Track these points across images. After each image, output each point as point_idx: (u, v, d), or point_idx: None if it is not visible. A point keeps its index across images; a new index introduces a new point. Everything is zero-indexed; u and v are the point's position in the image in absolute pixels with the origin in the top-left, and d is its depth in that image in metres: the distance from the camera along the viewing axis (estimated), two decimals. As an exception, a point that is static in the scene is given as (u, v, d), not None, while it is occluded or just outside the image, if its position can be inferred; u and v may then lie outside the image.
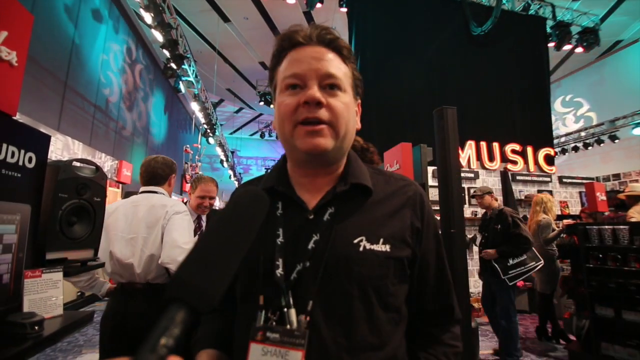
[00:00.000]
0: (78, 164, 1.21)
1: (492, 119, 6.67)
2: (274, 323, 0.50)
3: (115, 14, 7.46)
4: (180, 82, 7.08)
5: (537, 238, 3.46)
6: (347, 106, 0.57)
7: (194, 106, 8.51)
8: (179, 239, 1.54)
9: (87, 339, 3.65)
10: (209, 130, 9.90)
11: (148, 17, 5.09)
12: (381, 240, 0.55)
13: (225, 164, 14.31)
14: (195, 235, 1.91)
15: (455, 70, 6.70)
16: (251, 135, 19.28)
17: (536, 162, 6.31)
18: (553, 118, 8.38)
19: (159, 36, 5.41)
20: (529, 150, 6.29)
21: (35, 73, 4.91)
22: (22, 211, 0.97)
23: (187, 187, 2.38)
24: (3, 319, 0.82)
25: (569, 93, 11.26)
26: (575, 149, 10.14)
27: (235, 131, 18.95)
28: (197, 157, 10.07)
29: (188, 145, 9.68)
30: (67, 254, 1.16)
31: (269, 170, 0.68)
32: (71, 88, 5.89)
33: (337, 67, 0.57)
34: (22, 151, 0.97)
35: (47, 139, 1.09)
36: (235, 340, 0.56)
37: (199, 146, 10.59)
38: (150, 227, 1.60)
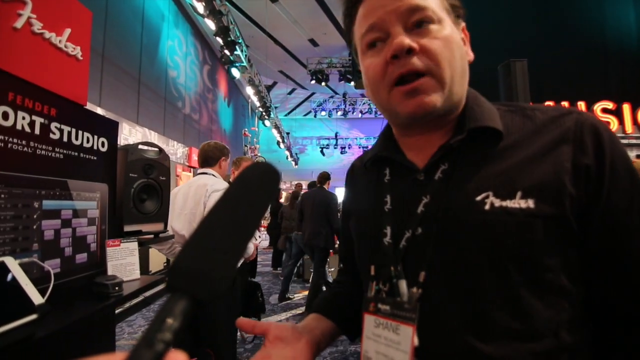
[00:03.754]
0: (144, 147, 1.34)
1: (576, 72, 5.69)
2: (384, 294, 0.46)
3: (174, 10, 7.96)
4: (235, 68, 7.37)
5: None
6: (447, 40, 0.44)
7: (249, 90, 8.85)
8: None
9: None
10: (264, 113, 10.27)
11: (200, 7, 5.33)
12: (519, 193, 0.41)
13: (281, 145, 14.81)
14: None
15: (526, 13, 5.69)
16: (305, 115, 19.50)
17: (635, 122, 5.30)
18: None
19: (211, 24, 5.65)
20: (626, 108, 5.30)
21: (114, 73, 5.54)
22: (101, 189, 1.12)
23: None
24: (92, 280, 0.97)
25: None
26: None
27: (289, 112, 19.35)
28: (255, 139, 10.58)
29: (246, 129, 10.21)
30: (141, 226, 1.32)
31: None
32: (144, 84, 6.55)
33: None
34: (96, 137, 1.10)
35: (115, 125, 1.22)
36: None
37: (256, 129, 11.08)
38: (196, 204, 1.87)
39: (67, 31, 0.99)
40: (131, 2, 6.15)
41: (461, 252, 0.42)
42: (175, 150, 7.48)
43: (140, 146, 1.31)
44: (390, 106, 0.47)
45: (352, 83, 10.20)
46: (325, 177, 4.17)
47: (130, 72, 6.08)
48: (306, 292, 5.04)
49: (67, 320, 0.78)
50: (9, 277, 0.69)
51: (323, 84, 10.97)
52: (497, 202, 0.41)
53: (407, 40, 0.42)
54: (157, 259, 4.98)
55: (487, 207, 0.42)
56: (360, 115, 16.81)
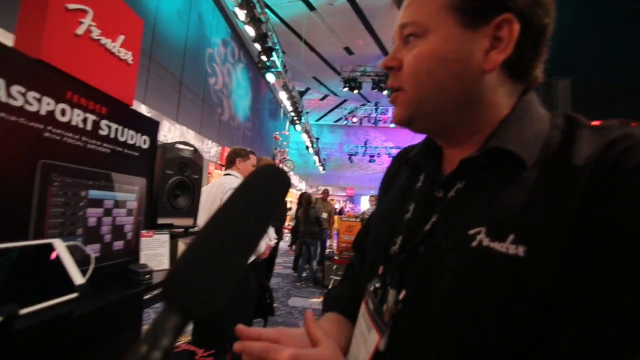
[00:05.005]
0: (181, 146, 1.43)
1: (624, 92, 5.28)
2: (379, 294, 0.47)
3: (217, 15, 8.36)
4: (270, 73, 7.59)
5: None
6: (419, 56, 0.42)
7: (282, 95, 9.06)
8: None
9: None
10: (295, 118, 10.45)
11: (241, 14, 5.56)
12: (511, 236, 0.35)
13: (310, 150, 14.98)
14: None
15: (571, 28, 5.40)
16: (335, 121, 19.61)
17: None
18: None
19: (251, 31, 5.87)
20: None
21: (159, 73, 5.91)
22: (140, 183, 1.21)
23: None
24: (126, 267, 1.04)
25: None
26: None
27: (320, 118, 19.54)
28: (285, 143, 10.78)
29: (277, 132, 10.43)
30: (173, 220, 1.40)
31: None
32: (185, 85, 6.91)
33: (415, 5, 0.43)
34: (139, 134, 1.20)
35: (156, 124, 1.31)
36: None
37: (287, 133, 11.28)
38: (214, 200, 2.07)
39: (121, 38, 1.09)
40: (178, 7, 6.55)
41: (440, 282, 0.40)
42: (209, 149, 7.81)
43: (177, 145, 1.40)
44: None
45: (386, 92, 10.14)
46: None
47: (173, 72, 6.46)
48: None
49: (103, 301, 0.85)
50: (56, 256, 0.76)
51: (356, 91, 11.00)
52: (486, 241, 0.37)
53: (385, 61, 0.45)
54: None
55: (474, 243, 0.37)
56: (391, 125, 16.64)
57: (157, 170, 1.31)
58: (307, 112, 13.15)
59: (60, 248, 0.78)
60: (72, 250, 0.88)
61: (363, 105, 16.55)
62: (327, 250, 6.69)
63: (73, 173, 0.93)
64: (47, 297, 0.69)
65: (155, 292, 1.09)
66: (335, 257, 5.45)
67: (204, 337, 1.97)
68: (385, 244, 0.51)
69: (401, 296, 0.43)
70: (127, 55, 1.11)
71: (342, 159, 19.60)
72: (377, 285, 0.48)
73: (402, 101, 0.45)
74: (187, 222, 1.49)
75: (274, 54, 6.79)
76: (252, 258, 2.09)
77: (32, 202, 0.82)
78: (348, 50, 11.51)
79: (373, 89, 10.93)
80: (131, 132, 1.16)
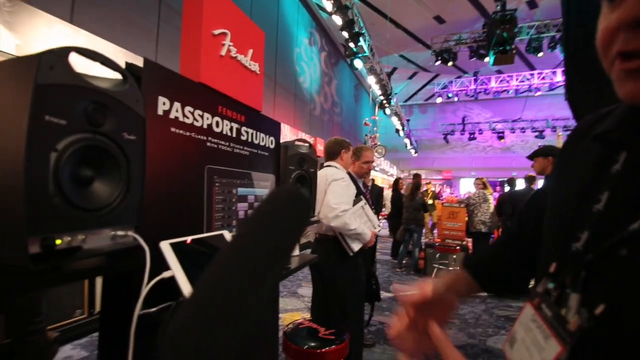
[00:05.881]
0: (298, 143, 1.55)
1: None
2: (553, 298, 0.41)
3: (301, 10, 8.66)
4: (358, 59, 7.52)
5: None
6: None
7: (370, 80, 8.89)
8: (331, 200, 2.03)
9: (304, 276, 4.82)
10: (384, 101, 10.16)
11: (328, 5, 5.61)
12: None
13: (401, 133, 14.41)
14: (358, 197, 2.29)
15: None
16: (426, 100, 18.31)
17: None
18: None
19: (338, 20, 5.88)
20: None
21: (257, 76, 6.50)
22: (270, 179, 1.36)
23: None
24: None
25: None
26: None
27: (409, 98, 18.52)
28: (375, 128, 10.62)
29: (367, 119, 10.34)
30: (296, 211, 1.54)
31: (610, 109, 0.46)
32: (279, 83, 7.43)
33: None
34: (267, 136, 1.34)
35: (278, 125, 1.45)
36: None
37: (377, 118, 11.08)
38: (320, 192, 2.08)
39: (250, 51, 1.22)
40: (268, 9, 7.02)
41: None
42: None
43: (296, 142, 1.52)
44: (614, 83, 0.37)
45: (487, 59, 8.95)
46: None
47: (268, 73, 7.02)
48: (429, 286, 4.86)
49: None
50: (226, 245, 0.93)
51: (450, 63, 10.02)
52: None
53: (636, 9, 0.32)
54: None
55: None
56: (494, 96, 14.65)
57: (281, 167, 1.45)
58: (395, 94, 12.63)
59: (228, 237, 0.94)
60: (233, 239, 1.05)
61: (459, 77, 14.99)
62: (423, 239, 6.40)
63: (227, 174, 1.10)
64: (226, 278, 0.85)
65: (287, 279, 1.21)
66: (438, 245, 5.19)
67: (323, 318, 2.13)
68: (564, 237, 0.43)
69: (598, 311, 0.35)
70: (255, 67, 1.25)
71: (436, 140, 18.29)
72: (551, 286, 0.43)
73: None
74: (307, 212, 1.63)
75: (360, 39, 6.69)
76: (359, 246, 2.14)
77: (203, 201, 1.00)
78: (439, 19, 10.53)
79: (471, 57, 9.78)
80: (262, 134, 1.31)
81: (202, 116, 1.00)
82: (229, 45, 1.13)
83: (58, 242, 0.57)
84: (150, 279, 0.68)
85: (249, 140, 1.23)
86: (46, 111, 0.55)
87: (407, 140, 16.15)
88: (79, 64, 0.63)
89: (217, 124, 1.07)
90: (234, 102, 1.16)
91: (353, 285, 2.17)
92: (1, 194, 0.53)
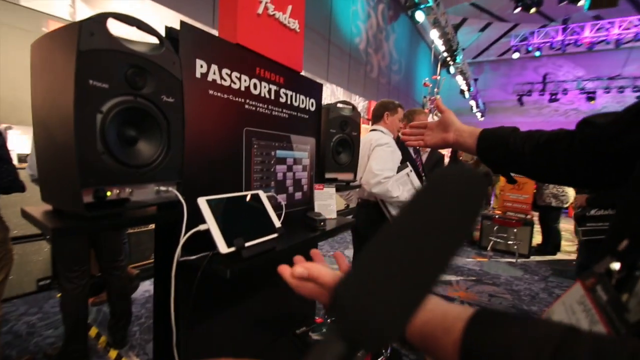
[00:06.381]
0: (341, 105, 1.50)
1: None
2: (614, 281, 0.37)
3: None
4: (420, 11, 6.81)
5: None
6: None
7: (433, 34, 8.06)
8: (374, 166, 1.95)
9: (342, 238, 4.94)
10: (448, 58, 9.22)
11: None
12: None
13: (466, 95, 13.11)
14: (404, 163, 2.17)
15: None
16: (500, 55, 16.14)
17: None
18: None
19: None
20: None
21: (311, 37, 6.30)
22: (310, 143, 1.36)
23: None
24: (305, 214, 1.24)
25: None
26: None
27: (479, 54, 16.50)
28: (435, 89, 9.81)
29: (427, 79, 9.55)
30: (337, 175, 1.53)
31: None
32: (333, 43, 7.13)
33: None
34: (308, 98, 1.32)
35: (320, 87, 1.41)
36: None
37: (438, 78, 10.17)
38: (363, 157, 2.02)
39: (289, 8, 1.17)
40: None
41: None
42: (357, 104, 8.04)
43: (338, 105, 1.48)
44: None
45: (582, 1, 7.44)
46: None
47: (322, 34, 6.75)
48: (481, 259, 4.64)
49: (293, 241, 1.05)
50: (261, 205, 0.97)
51: (533, 10, 8.55)
52: None
53: None
54: (339, 200, 5.79)
55: None
56: (587, 48, 12.31)
57: (322, 130, 1.44)
58: (462, 49, 11.31)
59: (263, 197, 0.99)
60: (269, 199, 1.09)
61: (543, 27, 12.81)
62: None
63: (265, 137, 1.13)
64: (259, 235, 0.90)
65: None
66: (497, 217, 4.83)
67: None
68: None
69: None
70: (295, 25, 1.20)
71: (508, 102, 16.30)
72: (615, 266, 0.37)
73: None
74: (348, 176, 1.61)
75: (424, -13, 5.99)
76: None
77: (242, 162, 1.05)
78: (524, -45, 8.86)
79: (561, 1, 8.22)
80: (302, 96, 1.29)
81: (239, 78, 1.02)
82: (266, 3, 1.09)
83: (108, 193, 0.65)
84: (188, 231, 0.75)
85: (288, 102, 1.22)
86: (90, 76, 0.60)
87: (472, 103, 14.69)
88: (120, 30, 0.67)
89: (255, 86, 1.08)
90: (272, 63, 1.14)
91: None
92: (59, 152, 0.61)
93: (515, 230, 4.67)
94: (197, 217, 0.80)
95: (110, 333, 2.20)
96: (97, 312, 2.60)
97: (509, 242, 4.70)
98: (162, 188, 0.76)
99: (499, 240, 4.80)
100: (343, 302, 0.21)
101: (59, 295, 2.48)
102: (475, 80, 14.59)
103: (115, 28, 0.66)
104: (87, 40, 0.59)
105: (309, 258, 0.57)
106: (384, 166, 1.96)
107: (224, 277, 0.75)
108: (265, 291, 1.21)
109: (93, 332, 2.34)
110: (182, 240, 0.75)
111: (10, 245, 1.88)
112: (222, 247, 0.77)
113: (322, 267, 0.46)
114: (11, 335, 2.23)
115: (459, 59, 9.92)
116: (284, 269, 0.49)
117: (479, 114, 15.96)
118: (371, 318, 0.20)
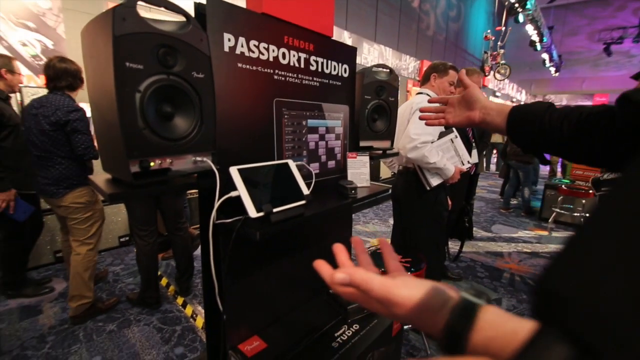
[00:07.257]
0: (377, 69, 1.44)
1: None
2: None
3: None
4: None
5: None
6: None
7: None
8: (412, 130, 1.88)
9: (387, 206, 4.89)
10: (517, 5, 8.04)
11: None
12: None
13: (538, 46, 11.45)
14: (449, 128, 2.04)
15: None
16: (585, -5, 13.58)
17: None
18: None
19: None
20: None
21: (356, -6, 5.92)
22: (344, 110, 1.35)
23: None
24: (337, 182, 1.26)
25: None
26: None
27: (558, -4, 14.04)
28: (498, 43, 8.72)
29: (489, 31, 8.50)
30: (372, 143, 1.51)
31: None
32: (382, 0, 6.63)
33: None
34: (340, 64, 1.29)
35: (354, 51, 1.36)
36: None
37: (502, 29, 8.98)
38: (403, 122, 1.99)
39: (318, -32, 1.12)
40: None
41: None
42: (407, 65, 7.52)
43: (373, 68, 1.42)
44: None
45: None
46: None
47: (370, -11, 6.29)
48: (540, 231, 4.30)
49: (322, 208, 1.09)
50: (290, 173, 1.02)
51: None
52: None
53: None
54: (384, 169, 5.68)
55: None
56: None
57: (357, 96, 1.41)
58: (535, -7, 9.71)
59: (292, 166, 1.03)
60: (300, 168, 1.13)
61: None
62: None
63: (296, 107, 1.15)
64: (287, 202, 0.95)
65: (360, 202, 1.28)
66: (563, 187, 4.37)
67: (399, 246, 2.19)
68: None
69: None
70: (324, -14, 1.16)
71: (590, 53, 13.94)
72: None
73: None
74: (385, 144, 1.57)
75: None
76: (439, 182, 2.00)
77: (273, 132, 1.09)
78: None
79: None
80: (334, 63, 1.26)
81: (267, 49, 1.03)
82: (294, -35, 1.06)
83: (152, 164, 0.74)
84: (221, 197, 0.83)
85: (319, 70, 1.21)
86: (126, 58, 0.66)
87: (545, 55, 12.82)
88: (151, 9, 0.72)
89: (284, 56, 1.08)
90: (301, 30, 1.13)
91: (430, 220, 2.10)
92: (109, 128, 0.71)
93: (583, 201, 4.20)
94: (230, 185, 0.87)
95: (177, 284, 2.55)
96: (167, 266, 3.01)
97: (575, 214, 4.26)
98: (199, 158, 0.84)
99: (563, 212, 4.37)
100: (565, 293, 0.16)
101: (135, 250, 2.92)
102: (550, 28, 12.60)
103: (145, 9, 0.71)
104: (121, 26, 0.65)
105: (347, 244, 0.51)
106: (422, 131, 1.87)
107: (254, 239, 0.83)
108: (299, 254, 1.30)
109: (164, 282, 2.73)
110: (216, 205, 0.83)
111: (100, 205, 2.23)
112: (252, 212, 0.84)
113: (365, 273, 0.39)
114: (101, 281, 2.71)
115: (530, 3, 8.57)
116: (324, 268, 0.42)
117: (552, 69, 13.95)
118: (599, 306, 0.15)
